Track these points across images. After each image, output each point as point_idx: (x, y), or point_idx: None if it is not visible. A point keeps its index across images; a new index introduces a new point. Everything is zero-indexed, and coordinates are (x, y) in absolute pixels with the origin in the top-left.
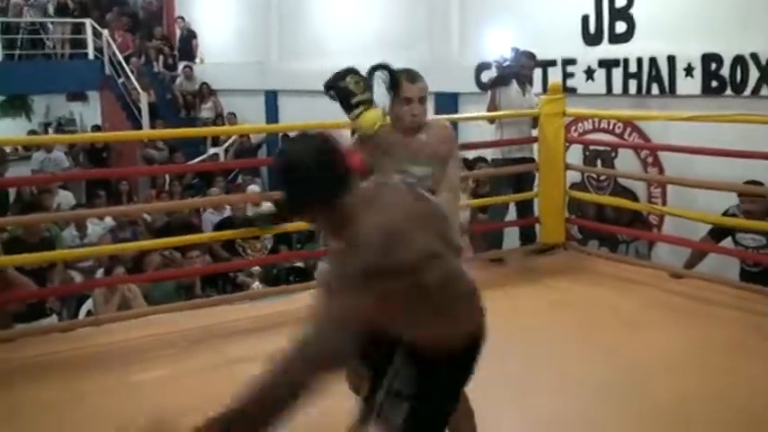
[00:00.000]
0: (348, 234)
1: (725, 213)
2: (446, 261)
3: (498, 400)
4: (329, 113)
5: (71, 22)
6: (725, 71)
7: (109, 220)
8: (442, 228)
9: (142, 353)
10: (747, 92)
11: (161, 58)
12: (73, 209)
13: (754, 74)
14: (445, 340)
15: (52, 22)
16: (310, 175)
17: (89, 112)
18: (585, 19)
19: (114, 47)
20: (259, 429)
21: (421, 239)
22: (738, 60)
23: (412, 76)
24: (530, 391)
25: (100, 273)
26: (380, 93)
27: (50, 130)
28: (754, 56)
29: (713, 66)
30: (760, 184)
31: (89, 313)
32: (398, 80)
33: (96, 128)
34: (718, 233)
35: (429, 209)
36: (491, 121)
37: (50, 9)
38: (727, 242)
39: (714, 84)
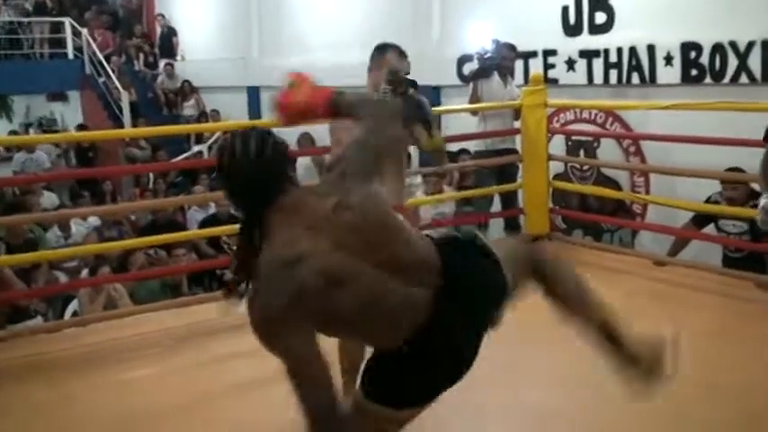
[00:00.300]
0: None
1: (707, 201)
2: (361, 284)
3: (490, 396)
4: None
5: (50, 21)
6: (704, 59)
7: (92, 220)
8: (374, 239)
9: (129, 352)
10: (726, 80)
11: (141, 56)
12: (56, 209)
13: (732, 62)
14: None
15: (30, 22)
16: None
17: (70, 112)
18: (565, 10)
19: (94, 46)
20: None
21: (322, 264)
22: (717, 48)
23: (401, 51)
24: (521, 387)
25: (85, 273)
26: None
27: (31, 131)
28: (733, 44)
29: (692, 54)
30: (741, 170)
31: (75, 314)
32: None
33: (82, 127)
34: (700, 220)
35: (351, 220)
36: (474, 113)
37: (29, 8)
38: (709, 229)
39: (693, 72)
